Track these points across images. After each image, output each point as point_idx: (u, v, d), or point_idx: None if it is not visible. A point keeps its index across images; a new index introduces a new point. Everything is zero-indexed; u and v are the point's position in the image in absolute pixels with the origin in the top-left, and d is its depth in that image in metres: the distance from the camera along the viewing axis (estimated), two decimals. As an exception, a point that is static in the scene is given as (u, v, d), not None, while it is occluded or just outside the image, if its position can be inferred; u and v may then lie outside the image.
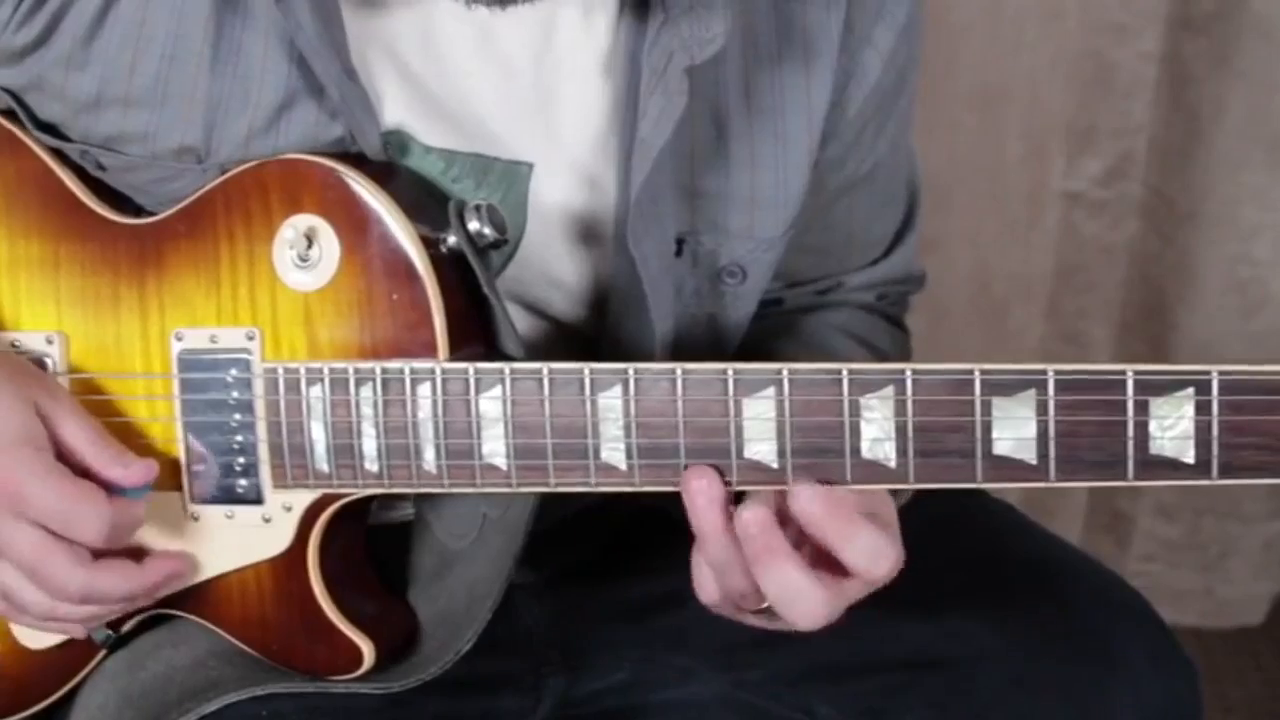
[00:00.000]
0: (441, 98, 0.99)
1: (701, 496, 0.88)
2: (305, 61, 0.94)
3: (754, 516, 0.86)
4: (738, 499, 0.91)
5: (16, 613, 0.95)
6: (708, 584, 0.91)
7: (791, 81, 1.02)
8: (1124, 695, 1.01)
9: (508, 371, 0.91)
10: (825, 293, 1.17)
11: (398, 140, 0.99)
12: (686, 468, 0.89)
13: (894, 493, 0.99)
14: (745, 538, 0.87)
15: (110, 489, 0.92)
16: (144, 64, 0.95)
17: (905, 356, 1.19)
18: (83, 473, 0.92)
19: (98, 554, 0.92)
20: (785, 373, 0.88)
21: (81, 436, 0.93)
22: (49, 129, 1.00)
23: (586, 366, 0.90)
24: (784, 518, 0.89)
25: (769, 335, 1.13)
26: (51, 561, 0.90)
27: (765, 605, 0.89)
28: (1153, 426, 0.85)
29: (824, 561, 0.88)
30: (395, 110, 0.99)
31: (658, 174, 0.96)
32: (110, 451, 0.93)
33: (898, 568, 0.88)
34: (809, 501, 0.86)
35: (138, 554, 0.97)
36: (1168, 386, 0.84)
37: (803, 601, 0.87)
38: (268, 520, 0.97)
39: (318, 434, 0.94)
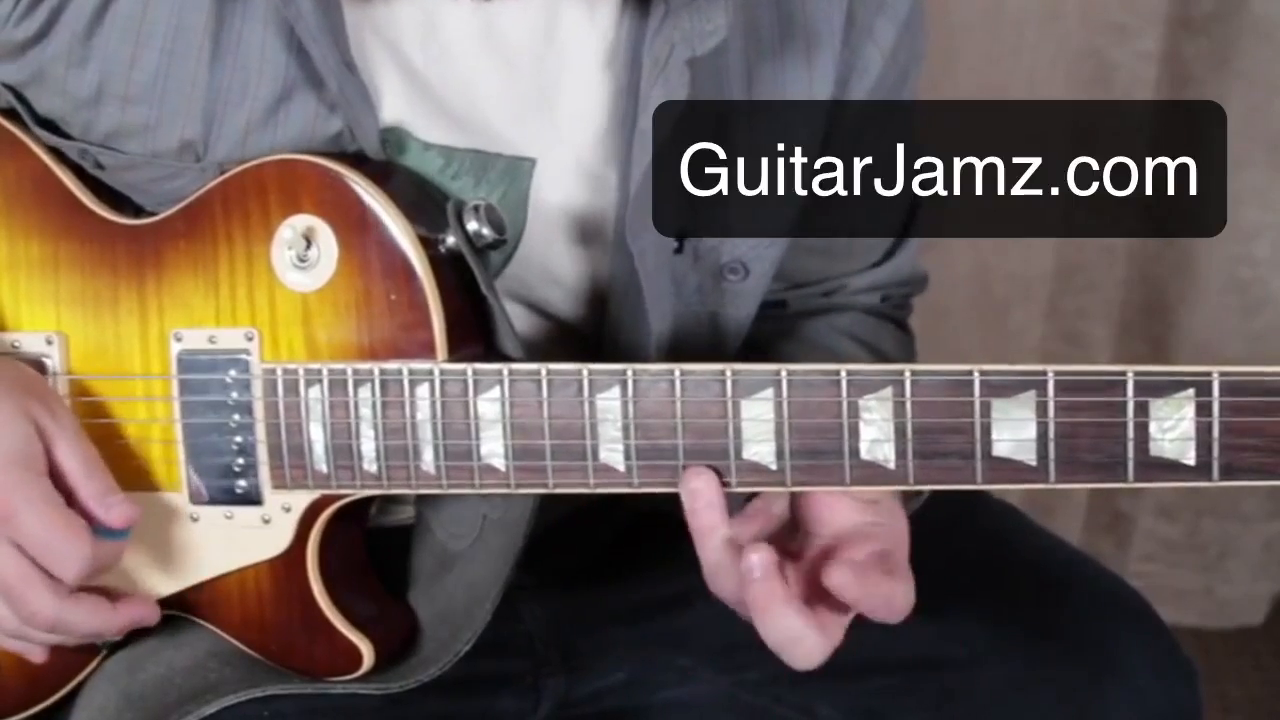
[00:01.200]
0: (443, 93, 0.98)
1: (699, 499, 0.88)
2: (304, 52, 0.94)
3: (760, 560, 0.86)
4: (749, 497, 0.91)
5: None
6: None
7: (794, 75, 1.01)
8: (1123, 697, 1.00)
9: (506, 372, 0.91)
10: (829, 295, 1.17)
11: (396, 137, 0.99)
12: (685, 468, 0.89)
13: (907, 498, 0.99)
14: (748, 580, 0.86)
15: (94, 524, 0.91)
16: (144, 58, 0.95)
17: (910, 359, 1.19)
18: (70, 496, 0.92)
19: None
20: (784, 374, 0.88)
21: (76, 463, 0.92)
22: (49, 125, 1.00)
23: (585, 367, 0.90)
24: (795, 524, 0.90)
25: (773, 337, 1.13)
26: (29, 590, 0.90)
27: None
28: (1153, 428, 0.84)
29: (816, 581, 0.88)
30: (394, 106, 0.98)
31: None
32: (98, 487, 0.92)
33: (910, 608, 0.89)
34: (842, 584, 0.85)
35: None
36: (1168, 388, 0.84)
37: (801, 647, 0.87)
38: (267, 521, 0.97)
39: (316, 435, 0.94)
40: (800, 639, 0.86)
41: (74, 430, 0.93)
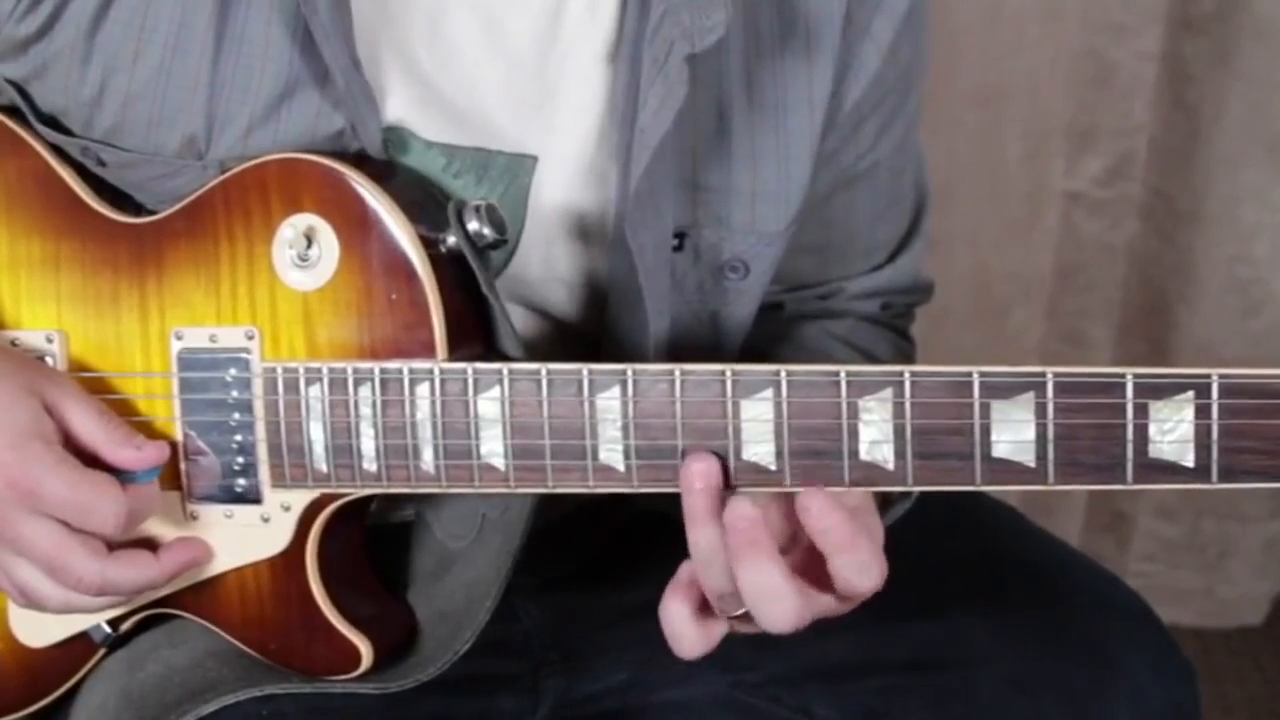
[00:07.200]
0: (446, 91, 0.98)
1: (700, 480, 0.88)
2: (308, 49, 0.94)
3: (745, 510, 0.86)
4: None
5: (34, 607, 0.95)
6: (685, 630, 0.91)
7: (793, 74, 1.01)
8: (1122, 697, 1.01)
9: (506, 372, 0.91)
10: (825, 298, 1.17)
11: (398, 136, 0.99)
12: (686, 453, 0.89)
13: (896, 499, 0.99)
14: (732, 529, 0.86)
15: (121, 473, 0.92)
16: (147, 53, 0.95)
17: (908, 367, 1.18)
18: (93, 459, 0.92)
19: (113, 545, 0.93)
20: (783, 374, 0.88)
21: (90, 422, 0.93)
22: (51, 122, 1.00)
23: (585, 367, 0.90)
24: (787, 521, 0.90)
25: (769, 340, 1.12)
26: (69, 557, 0.91)
27: (743, 610, 0.89)
28: (1152, 430, 0.84)
29: (804, 573, 0.88)
30: (397, 105, 0.98)
31: (658, 165, 0.96)
32: (121, 434, 0.93)
33: (880, 585, 0.89)
34: (821, 514, 0.86)
35: (149, 544, 0.97)
36: (1167, 389, 0.84)
37: (775, 603, 0.87)
38: (266, 520, 0.97)
39: (316, 434, 0.94)
40: (776, 592, 0.86)
41: (79, 395, 0.94)
